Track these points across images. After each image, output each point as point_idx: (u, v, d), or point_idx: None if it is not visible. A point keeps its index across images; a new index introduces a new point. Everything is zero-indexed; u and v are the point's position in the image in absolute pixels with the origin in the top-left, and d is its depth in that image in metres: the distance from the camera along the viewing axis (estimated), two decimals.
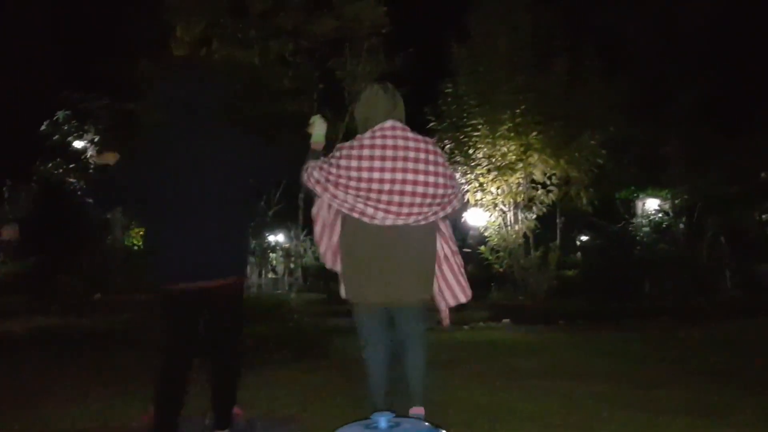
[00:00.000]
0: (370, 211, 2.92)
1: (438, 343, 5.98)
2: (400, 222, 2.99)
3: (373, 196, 2.91)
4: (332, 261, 3.24)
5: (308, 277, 25.71)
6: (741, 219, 15.33)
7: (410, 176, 2.95)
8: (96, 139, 14.52)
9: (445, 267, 3.19)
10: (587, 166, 12.33)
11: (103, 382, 5.13)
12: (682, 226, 15.39)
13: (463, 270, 3.29)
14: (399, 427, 1.69)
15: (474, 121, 12.18)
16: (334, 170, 3.00)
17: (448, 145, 12.30)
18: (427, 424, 1.80)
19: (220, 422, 2.95)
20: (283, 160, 3.15)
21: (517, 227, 12.51)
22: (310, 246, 30.56)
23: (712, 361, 5.90)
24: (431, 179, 3.00)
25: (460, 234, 13.96)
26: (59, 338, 7.79)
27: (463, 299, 3.34)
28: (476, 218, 13.36)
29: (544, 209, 12.53)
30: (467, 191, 12.55)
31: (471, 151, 12.33)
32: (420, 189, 2.97)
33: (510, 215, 12.59)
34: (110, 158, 3.15)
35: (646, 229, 15.99)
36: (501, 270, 12.74)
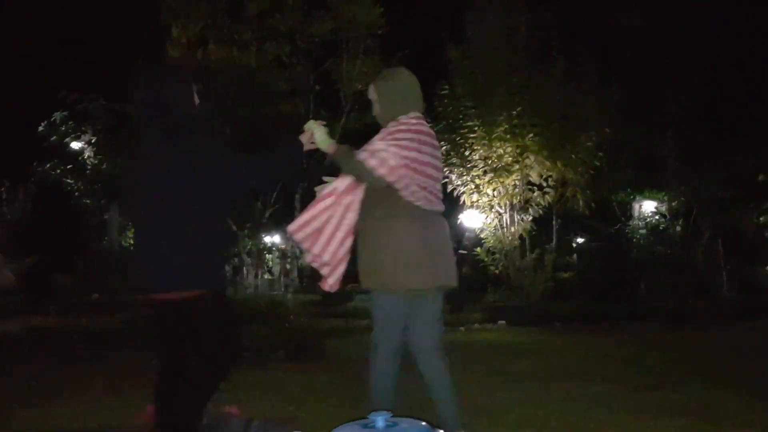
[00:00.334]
0: (422, 194, 2.91)
1: None
2: (437, 208, 3.01)
3: (426, 181, 2.89)
4: (332, 254, 3.01)
5: (304, 278, 25.72)
6: (738, 221, 15.37)
7: (438, 164, 3.04)
8: (93, 140, 14.50)
9: None
10: (584, 168, 12.35)
11: (100, 382, 5.14)
12: (678, 228, 15.42)
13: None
14: (396, 426, 1.70)
15: (470, 123, 12.20)
16: (402, 152, 2.84)
17: (444, 147, 12.31)
18: (424, 424, 1.80)
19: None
20: (254, 172, 2.92)
21: (513, 229, 12.53)
22: None
23: (708, 363, 5.92)
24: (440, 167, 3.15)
25: (456, 236, 13.97)
26: (57, 338, 7.78)
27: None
28: (472, 220, 13.38)
29: (541, 211, 12.55)
30: (463, 192, 12.57)
31: (467, 153, 12.35)
32: (440, 176, 3.09)
33: (506, 217, 12.61)
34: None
35: (643, 231, 16.02)
36: (497, 272, 12.75)
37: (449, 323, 8.85)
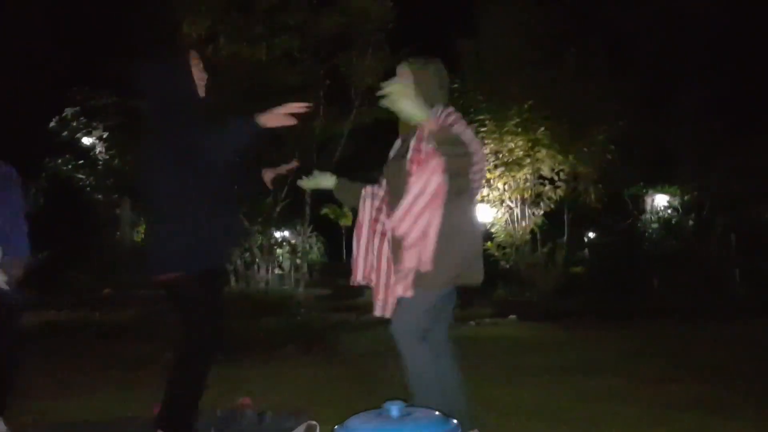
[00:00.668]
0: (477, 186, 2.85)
1: None
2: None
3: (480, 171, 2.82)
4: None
5: (314, 273, 25.79)
6: (751, 216, 15.24)
7: None
8: (105, 136, 14.59)
9: None
10: (596, 162, 12.29)
11: (114, 375, 5.18)
12: (691, 222, 15.32)
13: None
14: (411, 416, 1.70)
15: (481, 117, 12.16)
16: (471, 145, 2.66)
17: None
18: (437, 413, 1.80)
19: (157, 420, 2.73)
20: (229, 135, 2.81)
21: (524, 223, 12.50)
22: (316, 242, 30.70)
23: (721, 359, 5.88)
24: None
25: None
26: (70, 332, 7.86)
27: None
28: (483, 214, 13.35)
29: (552, 205, 12.50)
30: None
31: None
32: None
33: (517, 211, 12.57)
34: None
35: (655, 225, 15.93)
36: (507, 266, 12.72)
37: (460, 318, 8.85)
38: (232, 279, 13.24)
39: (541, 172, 12.29)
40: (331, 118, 11.66)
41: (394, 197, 2.72)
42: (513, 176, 12.19)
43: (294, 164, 3.13)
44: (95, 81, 13.95)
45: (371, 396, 3.77)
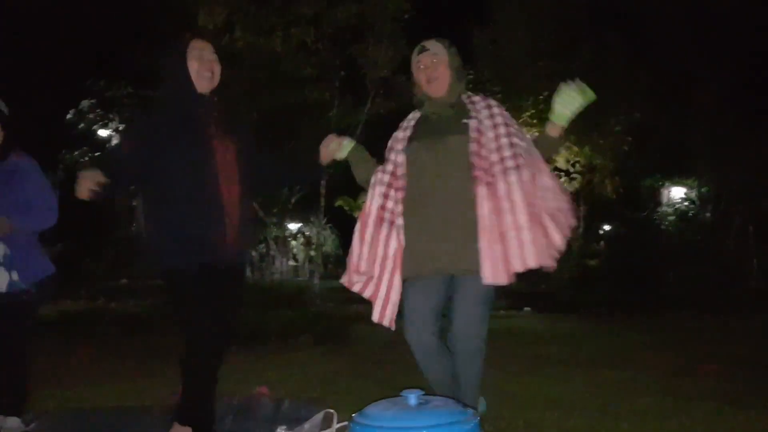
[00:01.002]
0: None
1: None
2: None
3: None
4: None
5: (328, 264, 25.90)
6: None
7: None
8: (121, 128, 14.69)
9: None
10: (612, 154, 12.22)
11: (132, 363, 5.24)
12: (708, 215, 15.20)
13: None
14: (428, 404, 1.70)
15: None
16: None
17: None
18: (455, 401, 1.81)
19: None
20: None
21: None
22: (330, 234, 30.82)
23: (737, 351, 5.84)
24: None
25: None
26: (87, 322, 7.96)
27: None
28: None
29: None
30: None
31: None
32: None
33: None
34: None
35: (672, 218, 15.83)
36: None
37: None
38: (248, 270, 13.33)
39: (557, 164, 12.24)
40: (347, 109, 11.67)
41: (422, 175, 2.60)
42: None
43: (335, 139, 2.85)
44: (111, 73, 14.04)
45: (388, 385, 3.79)
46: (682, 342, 6.63)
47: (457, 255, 2.51)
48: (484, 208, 2.47)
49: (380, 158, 2.81)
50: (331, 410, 2.57)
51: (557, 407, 3.52)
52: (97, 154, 15.44)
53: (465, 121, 2.62)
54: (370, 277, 2.70)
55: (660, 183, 16.21)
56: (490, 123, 2.60)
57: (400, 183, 2.65)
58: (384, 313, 2.66)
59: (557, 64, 12.04)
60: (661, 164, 14.92)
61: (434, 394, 2.01)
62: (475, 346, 2.57)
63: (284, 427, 2.53)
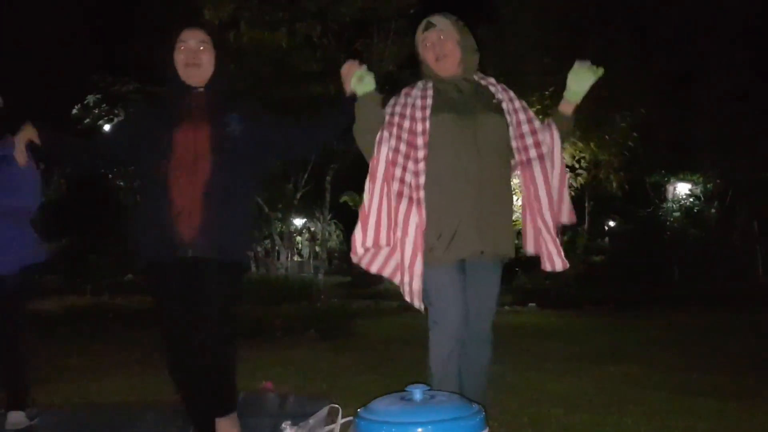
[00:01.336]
0: None
1: None
2: None
3: None
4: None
5: (333, 260, 25.93)
6: None
7: None
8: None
9: None
10: (617, 149, 12.18)
11: (137, 358, 5.25)
12: (713, 211, 15.15)
13: None
14: (433, 399, 1.70)
15: None
16: None
17: None
18: (458, 397, 1.81)
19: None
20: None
21: None
22: (335, 229, 30.83)
23: (743, 347, 5.83)
24: None
25: None
26: (93, 317, 7.98)
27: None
28: None
29: (572, 193, 12.42)
30: None
31: None
32: None
33: None
34: None
35: (677, 213, 15.79)
36: (527, 254, 12.67)
37: None
38: (253, 266, 13.35)
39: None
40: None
41: (453, 152, 2.36)
42: None
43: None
44: (117, 68, 14.06)
45: (392, 380, 3.79)
46: (687, 338, 6.62)
47: (495, 238, 2.41)
48: (528, 193, 2.46)
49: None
50: (336, 405, 2.58)
51: (562, 403, 3.52)
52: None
53: (495, 100, 2.51)
54: (385, 255, 2.46)
55: (665, 179, 16.16)
56: (514, 106, 2.53)
57: (421, 154, 2.36)
58: (411, 296, 2.37)
59: (563, 60, 12.00)
60: (667, 160, 14.87)
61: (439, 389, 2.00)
62: (489, 332, 2.49)
63: (289, 422, 2.53)
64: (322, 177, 12.46)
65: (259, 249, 13.46)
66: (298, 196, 12.97)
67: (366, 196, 2.39)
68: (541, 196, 2.45)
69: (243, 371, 4.30)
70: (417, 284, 2.32)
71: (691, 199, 15.85)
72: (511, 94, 2.58)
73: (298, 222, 23.54)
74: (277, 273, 13.55)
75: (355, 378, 4.31)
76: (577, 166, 12.27)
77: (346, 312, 7.51)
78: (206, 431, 2.48)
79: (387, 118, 2.45)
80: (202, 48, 2.50)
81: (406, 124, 2.40)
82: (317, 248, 20.01)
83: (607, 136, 11.96)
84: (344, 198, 25.26)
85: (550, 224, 2.47)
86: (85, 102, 15.19)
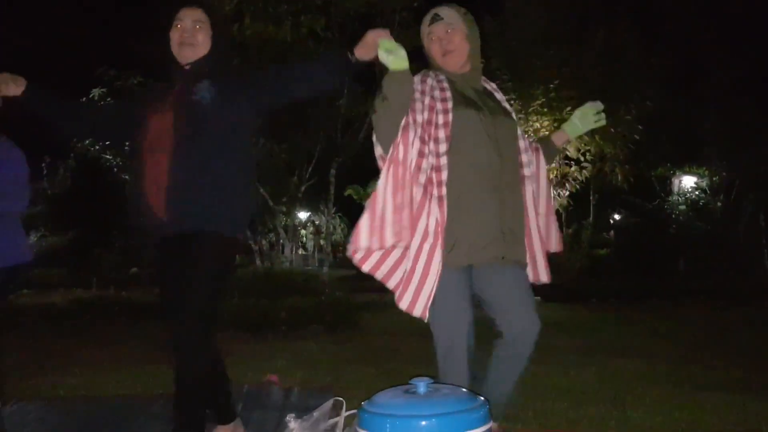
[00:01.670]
0: None
1: None
2: None
3: None
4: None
5: (338, 253, 25.96)
6: None
7: None
8: None
9: None
10: (623, 142, 12.15)
11: (141, 351, 5.27)
12: (719, 204, 15.10)
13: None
14: (437, 392, 1.70)
15: (506, 97, 12.04)
16: None
17: None
18: (464, 390, 1.81)
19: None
20: None
21: None
22: (339, 223, 30.86)
23: (748, 341, 5.82)
24: None
25: None
26: (98, 310, 8.01)
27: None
28: None
29: (578, 186, 12.39)
30: None
31: None
32: None
33: None
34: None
35: (683, 207, 15.74)
36: None
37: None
38: (257, 259, 13.38)
39: (567, 153, 12.17)
40: (356, 98, 11.64)
41: (476, 149, 2.23)
42: None
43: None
44: (122, 62, 14.05)
45: (397, 373, 3.80)
46: (692, 331, 6.61)
47: (516, 243, 2.28)
48: (529, 207, 2.38)
49: None
50: (340, 398, 2.58)
51: (566, 397, 3.52)
52: (107, 143, 15.50)
53: (505, 105, 2.44)
54: (393, 254, 2.25)
55: (671, 172, 16.11)
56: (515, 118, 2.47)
57: (443, 148, 2.20)
58: (416, 300, 2.15)
59: (568, 52, 11.95)
60: (673, 153, 14.82)
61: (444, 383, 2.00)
62: (533, 344, 2.29)
63: (293, 415, 2.53)
64: (326, 170, 12.44)
65: (263, 242, 13.47)
66: (303, 189, 12.95)
67: (381, 182, 2.19)
68: (530, 216, 2.38)
69: (248, 364, 4.33)
70: (424, 296, 2.13)
71: (697, 193, 15.80)
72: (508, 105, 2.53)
73: (303, 215, 23.58)
74: (282, 266, 13.55)
75: (360, 371, 4.32)
76: (582, 159, 12.24)
77: (350, 305, 7.51)
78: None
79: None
80: (198, 27, 2.46)
81: (425, 114, 2.24)
82: (322, 241, 20.02)
83: (612, 129, 11.91)
84: (349, 191, 25.27)
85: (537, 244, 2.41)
86: (91, 95, 15.19)
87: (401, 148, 2.18)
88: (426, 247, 2.14)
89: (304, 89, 2.50)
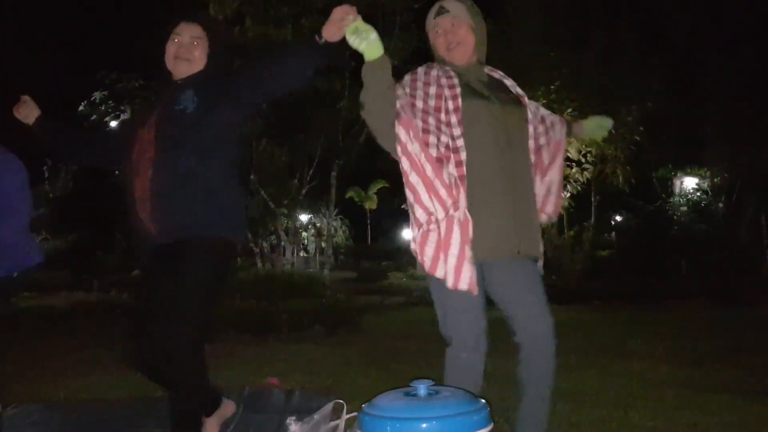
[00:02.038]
0: None
1: None
2: None
3: None
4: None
5: (339, 255, 25.96)
6: None
7: None
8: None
9: None
10: (624, 144, 12.14)
11: None
12: (721, 205, 15.09)
13: None
14: (438, 395, 1.70)
15: None
16: None
17: None
18: (465, 392, 1.80)
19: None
20: None
21: None
22: (341, 225, 30.86)
23: (750, 341, 5.80)
24: None
25: None
26: (100, 313, 8.02)
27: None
28: None
29: (579, 187, 12.38)
30: None
31: None
32: None
33: None
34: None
35: (684, 208, 15.73)
36: None
37: (486, 301, 8.84)
38: (259, 261, 13.38)
39: (568, 154, 12.17)
40: (357, 99, 11.65)
41: (487, 141, 2.19)
42: None
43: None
44: (123, 65, 14.09)
45: (397, 375, 3.79)
46: (694, 333, 6.59)
47: (530, 236, 2.23)
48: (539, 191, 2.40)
49: None
50: (341, 401, 2.57)
51: (568, 399, 3.51)
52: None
53: (513, 93, 2.39)
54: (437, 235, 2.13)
55: (672, 173, 16.11)
56: (527, 101, 2.42)
57: (457, 131, 2.18)
58: (459, 276, 2.10)
59: (569, 54, 11.95)
60: (674, 154, 14.81)
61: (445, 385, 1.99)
62: (549, 331, 2.29)
63: (294, 417, 2.53)
64: (327, 172, 12.45)
65: (264, 244, 13.47)
66: (304, 191, 12.96)
67: (405, 172, 2.13)
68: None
69: (248, 366, 4.32)
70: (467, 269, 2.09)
71: (699, 194, 15.79)
72: (518, 90, 2.46)
73: (304, 217, 23.56)
74: (283, 268, 13.55)
75: (361, 373, 4.31)
76: (583, 160, 12.24)
77: (351, 307, 7.51)
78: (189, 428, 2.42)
79: (406, 98, 2.20)
80: (195, 43, 2.45)
81: (432, 102, 2.19)
82: (323, 244, 20.00)
83: (613, 131, 11.92)
84: (350, 193, 25.25)
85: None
86: (92, 99, 15.22)
87: (408, 130, 2.13)
88: (458, 217, 2.09)
89: (281, 82, 2.42)
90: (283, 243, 14.73)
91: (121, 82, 14.10)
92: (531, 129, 2.38)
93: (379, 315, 8.14)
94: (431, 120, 2.16)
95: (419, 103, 2.20)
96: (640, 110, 12.19)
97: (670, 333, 6.63)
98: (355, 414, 2.10)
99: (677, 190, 16.27)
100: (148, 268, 2.44)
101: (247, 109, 2.55)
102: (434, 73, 2.27)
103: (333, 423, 2.49)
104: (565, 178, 12.33)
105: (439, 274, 2.12)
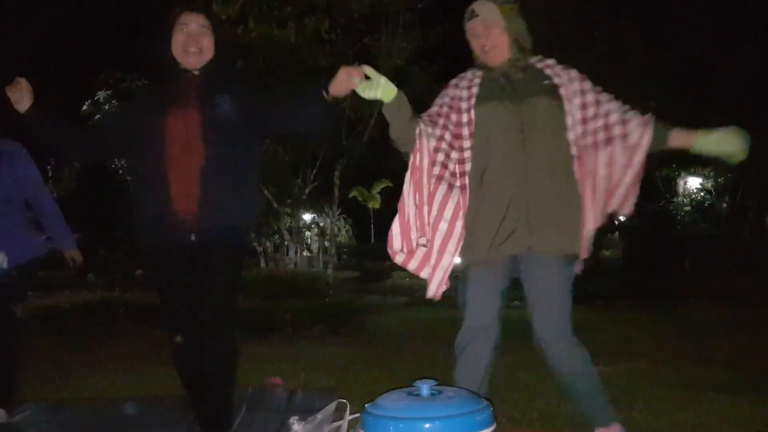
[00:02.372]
0: None
1: None
2: None
3: None
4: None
5: (342, 255, 25.97)
6: None
7: None
8: None
9: None
10: None
11: (146, 353, 5.27)
12: (724, 205, 15.06)
13: None
14: (441, 394, 1.70)
15: None
16: None
17: None
18: (468, 392, 1.81)
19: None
20: None
21: None
22: (344, 224, 30.87)
23: (754, 341, 5.79)
24: None
25: None
26: (103, 312, 8.03)
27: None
28: None
29: None
30: None
31: None
32: None
33: None
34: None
35: (688, 208, 15.70)
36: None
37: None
38: (262, 261, 13.40)
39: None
40: (360, 99, 11.65)
41: (501, 140, 2.25)
42: None
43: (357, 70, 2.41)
44: (126, 64, 14.11)
45: (401, 375, 3.79)
46: (697, 333, 6.58)
47: (545, 232, 2.23)
48: (584, 183, 2.32)
49: (395, 149, 2.48)
50: (344, 400, 2.58)
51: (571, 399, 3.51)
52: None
53: (548, 82, 2.36)
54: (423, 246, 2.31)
55: (676, 173, 16.07)
56: (576, 88, 2.39)
57: (467, 144, 2.29)
58: (431, 281, 2.28)
59: (571, 53, 11.93)
60: (678, 154, 14.73)
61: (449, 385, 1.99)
62: (565, 331, 2.37)
63: (297, 417, 2.53)
64: (330, 172, 12.45)
65: (267, 244, 13.48)
66: (307, 191, 12.98)
67: (405, 187, 2.29)
68: (598, 184, 2.35)
69: (251, 365, 4.33)
70: (446, 264, 2.26)
71: (702, 194, 15.76)
72: (573, 73, 2.44)
73: (307, 217, 23.56)
74: (287, 268, 13.56)
75: (364, 373, 4.32)
76: None
77: (355, 307, 7.51)
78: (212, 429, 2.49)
79: (435, 109, 2.36)
80: (203, 32, 2.48)
81: (453, 117, 2.32)
82: (326, 243, 19.99)
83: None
84: (353, 193, 25.25)
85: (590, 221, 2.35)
86: (96, 98, 15.25)
87: (418, 154, 2.26)
88: (441, 231, 2.26)
89: (292, 128, 2.59)
90: (286, 242, 14.75)
91: (125, 81, 14.12)
92: (569, 120, 2.32)
93: (382, 315, 8.15)
94: (447, 135, 2.31)
95: (442, 120, 2.33)
96: (644, 109, 12.14)
97: (673, 333, 6.63)
98: (358, 414, 2.10)
99: (681, 190, 16.23)
100: (178, 263, 2.46)
101: (262, 136, 2.74)
102: (462, 84, 2.38)
103: (336, 423, 2.49)
104: None
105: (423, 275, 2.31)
